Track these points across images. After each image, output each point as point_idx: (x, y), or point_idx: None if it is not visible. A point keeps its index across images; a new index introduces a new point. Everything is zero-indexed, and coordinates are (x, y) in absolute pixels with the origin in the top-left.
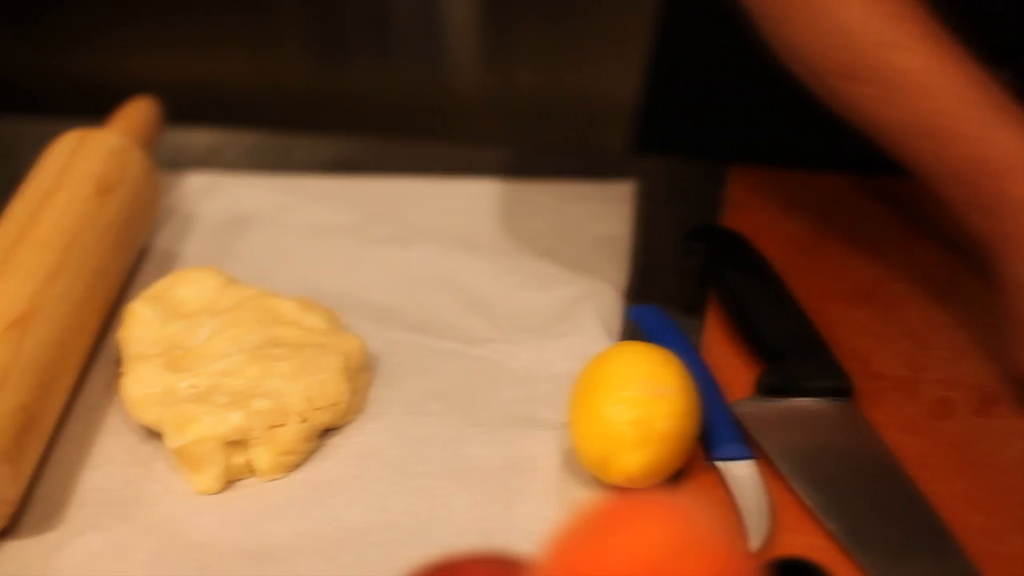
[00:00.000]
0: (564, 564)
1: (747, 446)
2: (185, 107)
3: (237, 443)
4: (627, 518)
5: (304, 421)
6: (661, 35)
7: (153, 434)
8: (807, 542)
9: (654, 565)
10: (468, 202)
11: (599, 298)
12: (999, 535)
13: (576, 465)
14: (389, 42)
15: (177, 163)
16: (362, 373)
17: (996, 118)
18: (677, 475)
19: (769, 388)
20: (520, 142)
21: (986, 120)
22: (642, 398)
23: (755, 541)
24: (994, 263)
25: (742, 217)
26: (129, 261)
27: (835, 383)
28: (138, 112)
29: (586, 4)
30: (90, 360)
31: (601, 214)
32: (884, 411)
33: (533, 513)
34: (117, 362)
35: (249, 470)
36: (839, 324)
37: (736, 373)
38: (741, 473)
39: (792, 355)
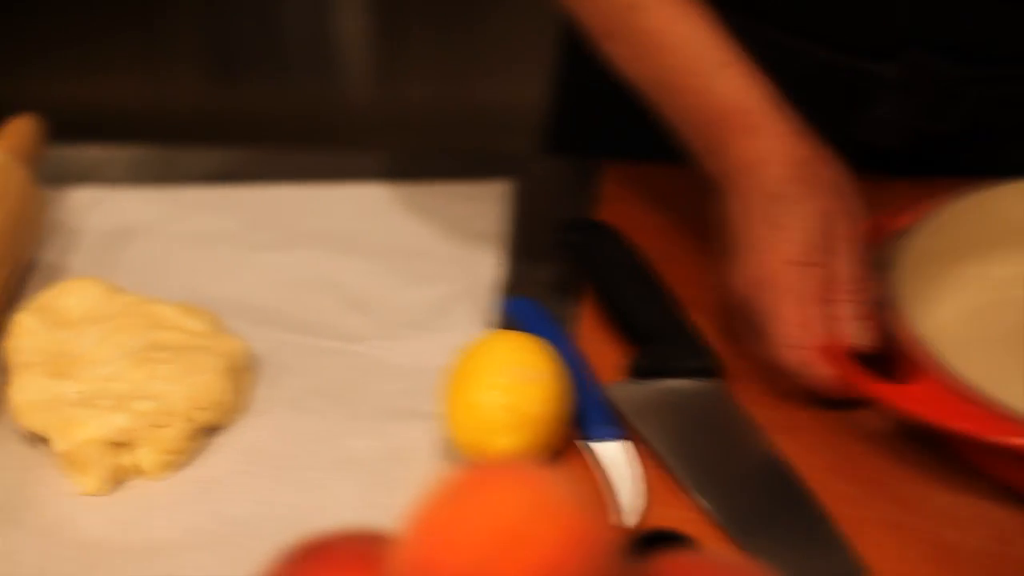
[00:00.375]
0: (422, 532)
1: (619, 427)
2: (75, 125)
3: (123, 444)
4: (482, 485)
5: (188, 421)
6: (568, 37)
7: (40, 440)
8: (679, 516)
9: (509, 528)
10: (349, 206)
11: (475, 293)
12: (863, 501)
13: (454, 452)
14: (282, 56)
15: (63, 179)
16: (244, 373)
17: (723, 73)
18: (552, 457)
19: (640, 371)
20: (408, 150)
21: (708, 73)
22: (513, 384)
23: (629, 517)
24: (721, 202)
25: (616, 210)
26: (13, 275)
27: (703, 364)
28: (20, 129)
29: (478, 15)
30: None
31: (478, 213)
32: (752, 388)
33: (413, 500)
34: (3, 372)
35: (136, 470)
36: (709, 309)
37: (610, 358)
38: (614, 453)
39: (661, 339)
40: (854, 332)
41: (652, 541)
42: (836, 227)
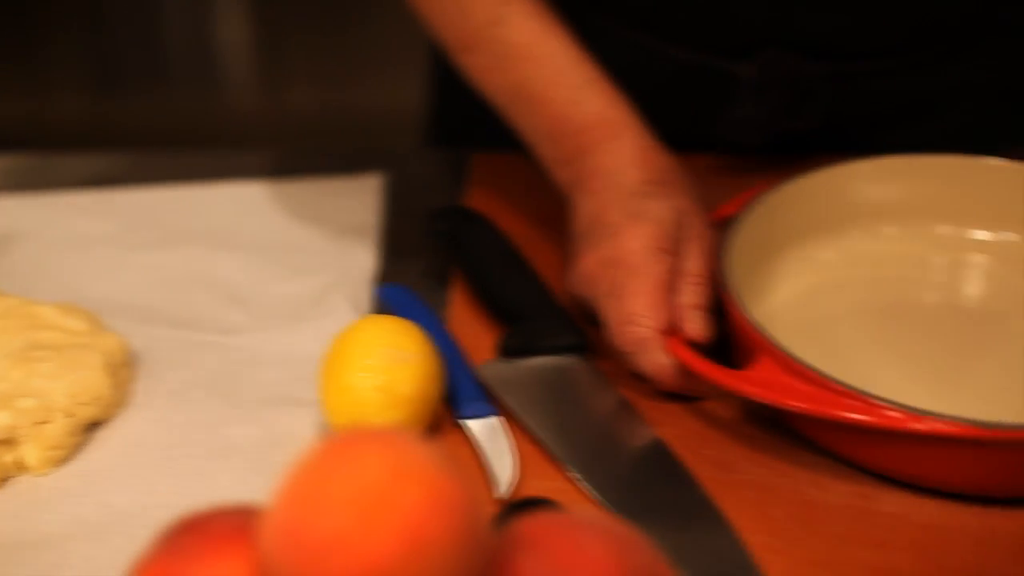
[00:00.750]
0: (289, 500)
1: (491, 404)
2: None
3: (6, 442)
4: (346, 452)
5: (70, 416)
6: None
7: None
8: (551, 486)
9: (372, 492)
10: (227, 205)
11: (349, 282)
12: (729, 465)
13: None
14: (164, 65)
15: None
16: (124, 369)
17: (588, 87)
18: (427, 435)
19: (510, 349)
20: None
21: (573, 86)
22: (385, 365)
23: (501, 488)
24: (571, 209)
25: (485, 198)
26: None
27: (570, 340)
28: None
29: (356, 21)
30: None
31: (352, 206)
32: (619, 362)
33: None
34: None
35: (21, 467)
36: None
37: (481, 339)
38: (486, 428)
39: (530, 318)
40: (693, 321)
41: (523, 508)
42: (688, 224)
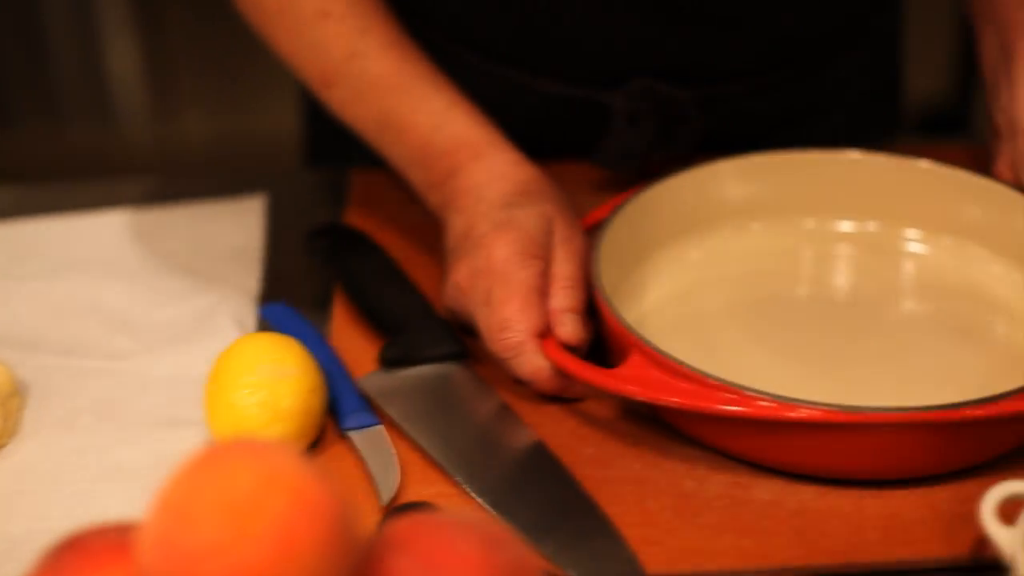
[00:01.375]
0: (161, 512)
1: (373, 414)
2: None
3: None
4: (215, 462)
5: None
6: None
7: None
8: (435, 491)
9: (241, 500)
10: (110, 233)
11: (233, 303)
12: (607, 462)
13: None
14: (55, 99)
15: None
16: (12, 399)
17: (451, 112)
18: (311, 448)
19: (390, 361)
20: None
21: (436, 112)
22: (265, 381)
23: (384, 496)
24: (443, 229)
25: (364, 214)
26: None
27: (448, 349)
28: None
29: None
30: None
31: (234, 229)
32: (496, 367)
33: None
34: None
35: None
36: None
37: (364, 352)
38: (369, 439)
39: (409, 329)
40: (565, 325)
41: (404, 514)
42: (556, 230)
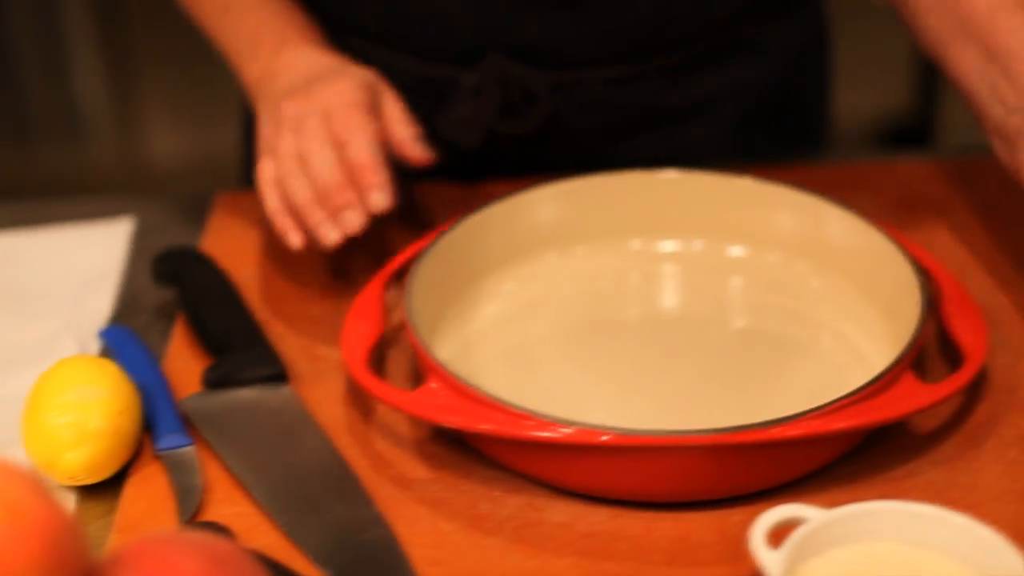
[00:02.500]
0: None
1: (187, 435)
2: None
3: None
4: None
5: None
6: None
7: None
8: (237, 510)
9: None
10: None
11: (82, 326)
12: (409, 483)
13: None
14: (23, 121)
15: None
16: None
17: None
18: (126, 467)
19: (212, 382)
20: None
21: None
22: (76, 402)
23: (183, 515)
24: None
25: (223, 238)
26: None
27: (269, 371)
28: None
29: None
30: None
31: (98, 252)
32: (325, 389)
33: None
34: None
35: None
36: (293, 321)
37: (195, 374)
38: (179, 459)
39: (234, 351)
40: (416, 150)
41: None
42: (344, 119)
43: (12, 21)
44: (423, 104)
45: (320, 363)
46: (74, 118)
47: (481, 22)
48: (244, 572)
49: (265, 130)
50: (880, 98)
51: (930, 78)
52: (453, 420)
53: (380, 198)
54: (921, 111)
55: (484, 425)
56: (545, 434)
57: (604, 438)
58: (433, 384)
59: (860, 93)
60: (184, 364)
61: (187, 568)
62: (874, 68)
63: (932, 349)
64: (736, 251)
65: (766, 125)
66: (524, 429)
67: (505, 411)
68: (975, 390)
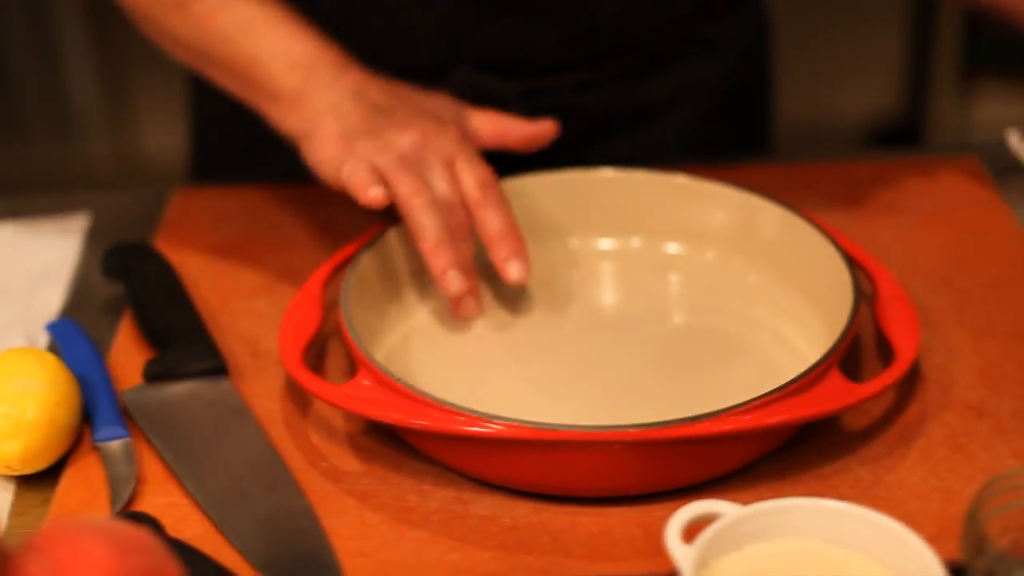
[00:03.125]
0: None
1: (124, 427)
2: None
3: None
4: None
5: None
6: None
7: None
8: (170, 501)
9: None
10: None
11: (31, 320)
12: (340, 476)
13: None
14: (17, 121)
15: None
16: None
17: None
18: (65, 458)
19: (153, 375)
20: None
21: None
22: (12, 394)
23: (115, 505)
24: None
25: (175, 233)
26: None
27: (208, 365)
28: None
29: None
30: None
31: (52, 246)
32: (264, 383)
33: None
34: None
35: None
36: (239, 316)
37: (139, 367)
38: (115, 451)
39: (175, 345)
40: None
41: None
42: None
43: (4, 18)
44: None
45: (262, 358)
46: (67, 116)
47: (445, 36)
48: (153, 559)
49: (360, 143)
50: (870, 99)
51: (919, 79)
52: (379, 414)
53: (517, 269)
54: (911, 112)
55: (412, 420)
56: (471, 428)
57: (526, 434)
58: (364, 380)
59: (850, 94)
60: (128, 358)
61: (96, 556)
62: (864, 70)
63: (869, 347)
64: (673, 248)
65: (724, 119)
66: (447, 424)
67: (430, 405)
68: (908, 389)
